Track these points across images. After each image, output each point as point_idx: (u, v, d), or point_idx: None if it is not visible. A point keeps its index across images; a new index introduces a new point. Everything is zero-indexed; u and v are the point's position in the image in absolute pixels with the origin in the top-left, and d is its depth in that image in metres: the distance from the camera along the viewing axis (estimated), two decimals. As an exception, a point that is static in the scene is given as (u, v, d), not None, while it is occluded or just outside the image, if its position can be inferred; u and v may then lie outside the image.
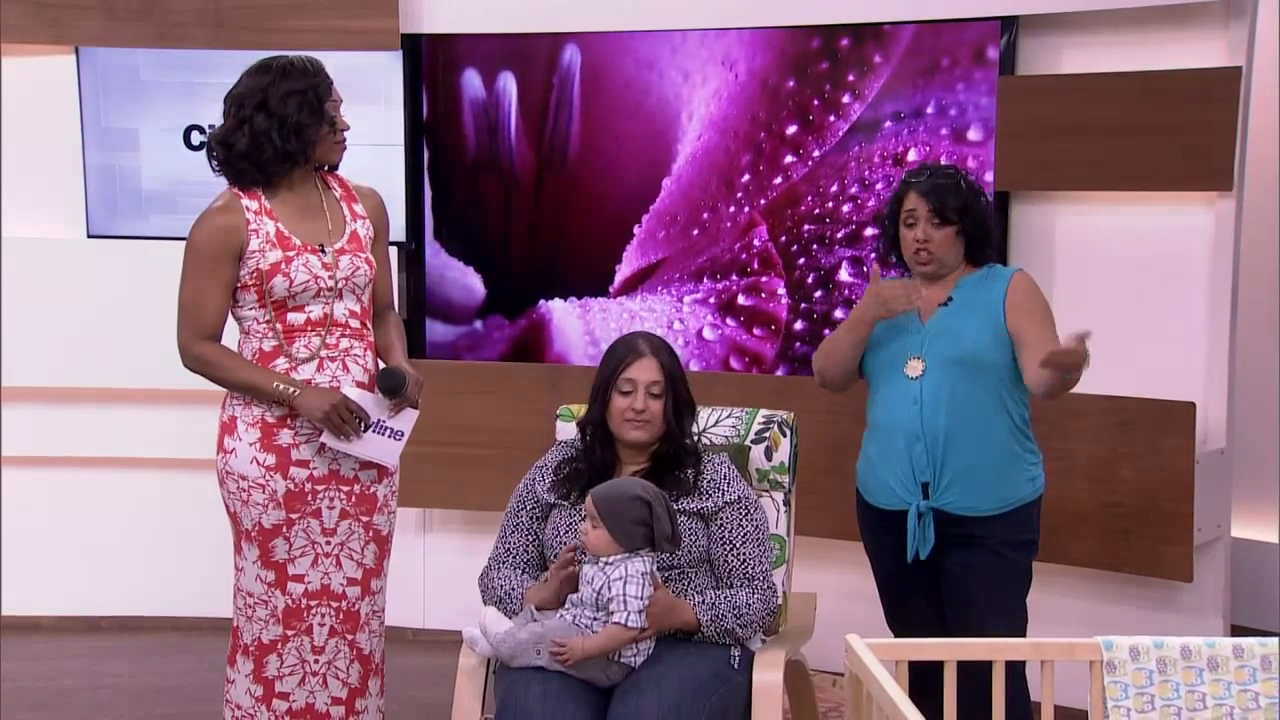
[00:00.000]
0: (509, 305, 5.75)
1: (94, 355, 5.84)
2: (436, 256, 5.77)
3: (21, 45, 5.82)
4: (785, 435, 4.18)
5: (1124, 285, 4.97)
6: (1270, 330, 5.27)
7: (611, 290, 5.60)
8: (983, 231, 4.10)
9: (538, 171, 5.63)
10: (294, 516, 3.91)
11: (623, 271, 5.58)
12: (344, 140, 3.98)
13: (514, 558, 3.91)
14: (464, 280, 5.76)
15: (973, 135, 5.03)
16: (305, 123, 3.87)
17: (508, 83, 5.61)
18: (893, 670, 2.97)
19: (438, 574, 5.87)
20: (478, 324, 5.79)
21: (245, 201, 3.90)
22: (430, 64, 5.69)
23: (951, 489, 4.04)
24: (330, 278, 3.89)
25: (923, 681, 3.42)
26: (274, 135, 3.85)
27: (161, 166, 5.82)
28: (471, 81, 5.64)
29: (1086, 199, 5.00)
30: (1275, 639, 3.02)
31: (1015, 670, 3.82)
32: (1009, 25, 5.01)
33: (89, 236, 5.91)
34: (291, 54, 3.96)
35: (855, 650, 2.87)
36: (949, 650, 3.05)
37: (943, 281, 4.12)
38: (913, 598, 4.20)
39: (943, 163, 4.29)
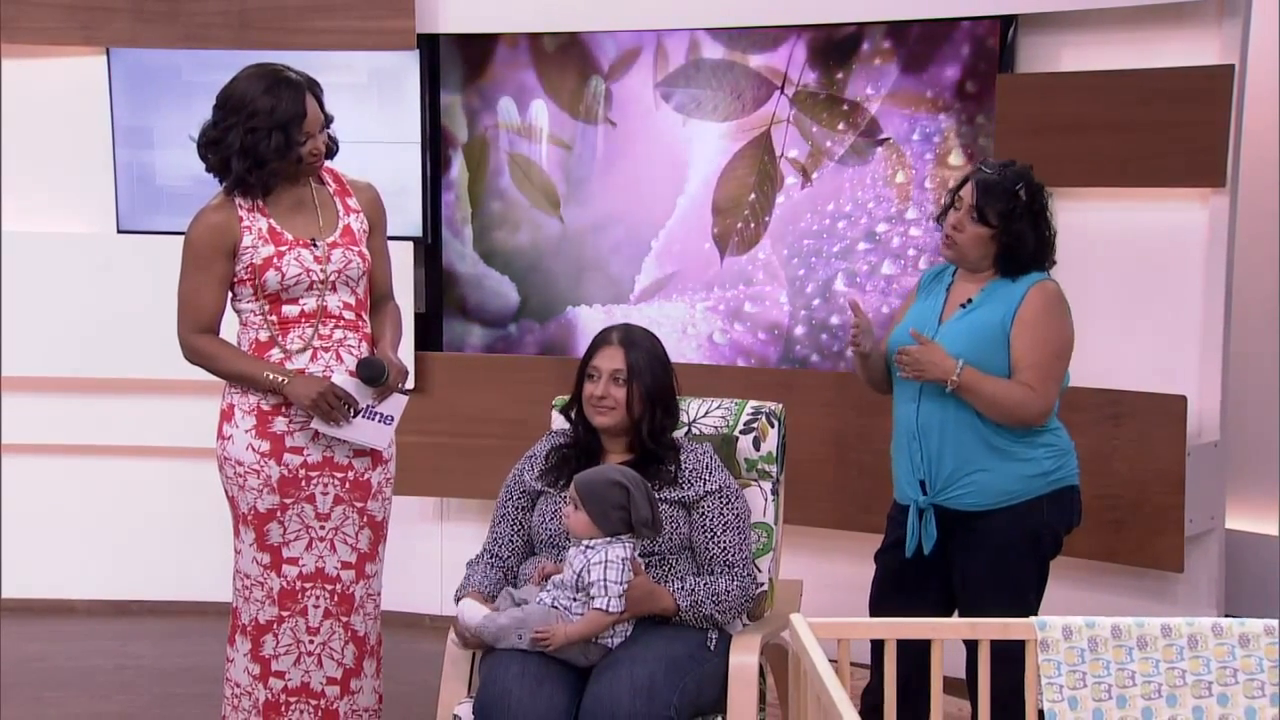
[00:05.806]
0: (540, 311, 5.99)
1: (126, 346, 5.98)
2: (475, 267, 5.99)
3: (55, 46, 5.99)
4: (773, 426, 4.25)
5: (1119, 280, 5.01)
6: (1267, 324, 5.30)
7: (632, 298, 5.85)
8: (1019, 248, 4.03)
9: (567, 191, 5.87)
10: (288, 501, 4.03)
11: (641, 281, 5.84)
12: (316, 158, 4.02)
13: (499, 547, 4.04)
14: (500, 288, 6.00)
15: (953, 160, 5.27)
16: (268, 157, 3.96)
17: (539, 111, 5.85)
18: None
19: (454, 562, 5.83)
20: (512, 327, 6.00)
21: (239, 199, 4.04)
22: (468, 89, 5.89)
23: (947, 487, 4.05)
24: (322, 271, 4.01)
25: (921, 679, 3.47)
26: (236, 161, 3.98)
27: (189, 163, 5.90)
28: (508, 109, 5.87)
29: (1082, 195, 5.04)
30: (1201, 619, 3.08)
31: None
32: (1009, 23, 5.11)
33: (119, 232, 6.05)
34: (281, 69, 4.00)
35: (795, 628, 2.96)
36: (887, 629, 3.13)
37: (974, 279, 4.11)
38: (901, 594, 4.18)
39: (1021, 165, 4.11)
